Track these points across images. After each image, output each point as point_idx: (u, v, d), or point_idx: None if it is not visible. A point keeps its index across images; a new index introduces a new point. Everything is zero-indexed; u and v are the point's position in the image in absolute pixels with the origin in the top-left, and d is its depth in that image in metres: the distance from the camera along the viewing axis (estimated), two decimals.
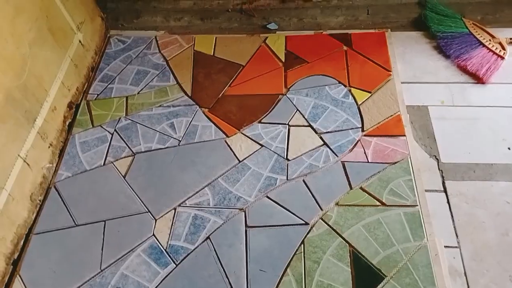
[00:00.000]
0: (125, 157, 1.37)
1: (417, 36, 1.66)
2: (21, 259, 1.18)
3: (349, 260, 1.12)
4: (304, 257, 1.13)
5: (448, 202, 1.23)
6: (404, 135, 1.36)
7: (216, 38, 1.72)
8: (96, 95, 1.55)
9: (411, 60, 1.58)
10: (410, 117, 1.42)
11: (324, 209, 1.21)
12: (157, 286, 1.11)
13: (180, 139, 1.40)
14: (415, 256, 1.11)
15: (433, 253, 1.11)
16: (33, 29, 1.31)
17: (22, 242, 1.21)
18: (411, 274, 1.08)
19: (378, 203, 1.21)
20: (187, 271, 1.13)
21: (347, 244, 1.14)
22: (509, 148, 1.33)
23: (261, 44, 1.69)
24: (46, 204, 1.28)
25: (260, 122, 1.44)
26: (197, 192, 1.27)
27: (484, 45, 1.57)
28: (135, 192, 1.28)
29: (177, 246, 1.16)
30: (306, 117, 1.44)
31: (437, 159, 1.32)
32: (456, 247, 1.15)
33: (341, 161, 1.32)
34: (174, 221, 1.21)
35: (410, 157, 1.31)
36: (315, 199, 1.24)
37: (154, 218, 1.23)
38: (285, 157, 1.34)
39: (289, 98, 1.49)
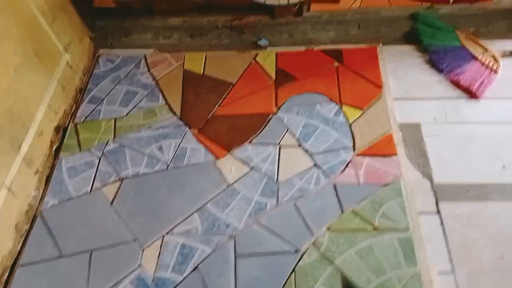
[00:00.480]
0: (112, 182, 1.35)
1: (409, 50, 1.64)
2: None
3: None
4: (295, 286, 1.10)
5: (442, 224, 1.20)
6: (397, 155, 1.34)
7: (206, 55, 1.70)
8: (84, 117, 1.53)
9: (403, 75, 1.56)
10: (403, 135, 1.40)
11: (315, 234, 1.19)
12: None
13: (169, 163, 1.38)
14: (409, 284, 1.08)
15: (427, 280, 1.08)
16: (18, 53, 1.29)
17: (7, 275, 1.19)
18: None
19: (370, 228, 1.19)
20: None
21: (339, 272, 1.11)
22: (504, 167, 1.30)
23: (252, 61, 1.66)
24: (32, 233, 1.26)
25: (250, 142, 1.42)
26: (185, 219, 1.25)
27: (477, 59, 1.55)
28: (122, 220, 1.25)
29: (164, 278, 1.14)
30: (297, 137, 1.41)
31: (430, 179, 1.29)
32: (450, 272, 1.12)
33: (333, 183, 1.29)
34: (161, 250, 1.18)
35: (402, 178, 1.28)
36: (306, 224, 1.21)
37: (142, 247, 1.20)
38: (276, 179, 1.31)
39: (279, 117, 1.47)
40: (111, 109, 1.55)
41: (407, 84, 1.53)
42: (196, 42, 1.76)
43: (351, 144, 1.38)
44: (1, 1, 1.22)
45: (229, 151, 1.40)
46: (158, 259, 1.17)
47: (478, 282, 1.10)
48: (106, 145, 1.44)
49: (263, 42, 1.72)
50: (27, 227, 1.27)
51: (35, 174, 1.34)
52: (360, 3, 1.64)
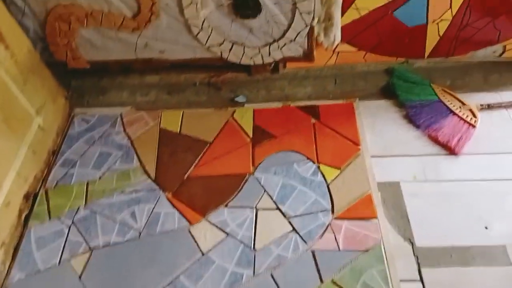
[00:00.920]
0: (82, 253, 1.29)
1: (386, 104, 1.63)
2: None
3: None
4: None
5: None
6: (376, 217, 1.30)
7: (183, 113, 1.68)
8: (55, 182, 1.48)
9: (381, 131, 1.54)
10: (382, 195, 1.37)
11: None
12: None
13: (141, 230, 1.32)
14: None
15: None
16: None
17: None
18: None
19: None
20: None
21: None
22: (486, 228, 1.26)
23: (229, 118, 1.65)
24: None
25: (226, 206, 1.37)
26: None
27: (454, 113, 1.54)
28: None
29: None
30: (274, 199, 1.38)
31: (411, 242, 1.25)
32: None
33: (311, 250, 1.24)
34: None
35: (383, 243, 1.24)
36: None
37: None
38: (252, 247, 1.26)
39: (257, 178, 1.44)
40: (84, 172, 1.50)
41: (385, 141, 1.51)
42: (173, 99, 1.75)
43: (330, 206, 1.34)
44: None
45: (204, 215, 1.35)
46: None
47: None
48: (76, 212, 1.39)
49: (240, 98, 1.71)
50: None
51: (1, 247, 1.28)
52: (336, 60, 1.65)
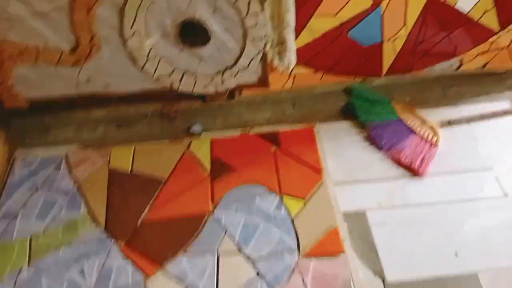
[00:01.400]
0: None
1: (347, 126, 1.58)
2: None
3: None
4: None
5: None
6: (344, 252, 1.23)
7: (134, 148, 1.57)
8: None
9: (343, 155, 1.48)
10: (349, 226, 1.30)
11: None
12: None
13: None
14: None
15: None
16: None
17: None
18: None
19: None
20: None
21: None
22: (456, 254, 1.22)
23: (185, 151, 1.55)
24: None
25: (185, 251, 1.27)
26: None
27: (415, 132, 1.50)
28: None
29: None
30: (236, 240, 1.29)
31: (382, 277, 1.19)
32: None
33: None
34: None
35: (352, 282, 1.17)
36: None
37: None
38: None
39: (217, 217, 1.34)
40: (26, 225, 1.36)
41: (348, 165, 1.45)
42: (123, 134, 1.63)
43: (295, 243, 1.27)
44: None
45: (161, 265, 1.25)
46: None
47: None
48: (19, 274, 1.25)
49: (196, 127, 1.62)
50: None
51: None
52: (293, 83, 1.58)
